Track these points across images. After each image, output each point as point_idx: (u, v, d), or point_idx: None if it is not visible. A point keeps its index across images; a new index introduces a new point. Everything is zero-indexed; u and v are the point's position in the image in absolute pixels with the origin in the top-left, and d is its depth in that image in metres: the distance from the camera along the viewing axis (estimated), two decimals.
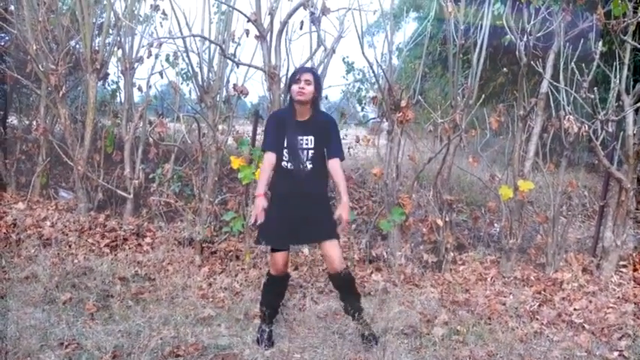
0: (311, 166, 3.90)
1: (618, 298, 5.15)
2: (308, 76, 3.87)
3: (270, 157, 3.90)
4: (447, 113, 5.85)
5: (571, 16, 5.54)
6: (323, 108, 4.79)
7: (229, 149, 6.90)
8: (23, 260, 5.30)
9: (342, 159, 3.99)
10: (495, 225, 6.64)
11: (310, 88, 3.85)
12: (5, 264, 5.20)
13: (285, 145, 3.89)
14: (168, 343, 3.85)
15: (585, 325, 4.63)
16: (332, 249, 3.91)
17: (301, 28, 6.17)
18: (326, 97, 6.70)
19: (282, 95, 6.07)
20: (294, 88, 3.85)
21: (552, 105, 5.68)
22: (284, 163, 3.90)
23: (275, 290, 4.10)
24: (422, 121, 7.01)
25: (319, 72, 6.13)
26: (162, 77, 6.87)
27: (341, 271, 3.92)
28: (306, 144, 3.89)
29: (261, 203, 3.76)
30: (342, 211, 3.79)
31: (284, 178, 3.95)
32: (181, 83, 7.18)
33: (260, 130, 6.77)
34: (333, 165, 3.94)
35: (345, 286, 4.02)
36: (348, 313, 4.08)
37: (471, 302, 4.99)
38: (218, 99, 6.26)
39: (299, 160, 3.87)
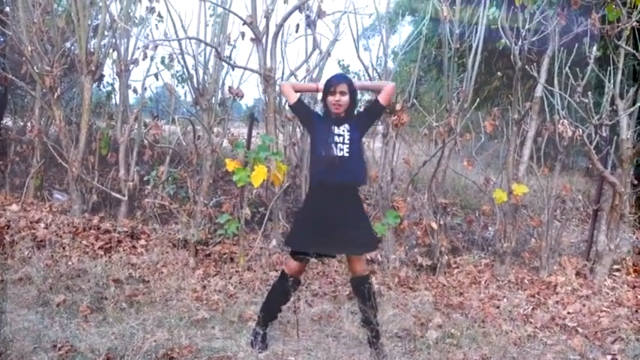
0: (348, 153, 3.74)
1: (612, 301, 5.16)
2: (343, 87, 3.78)
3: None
4: (441, 117, 5.87)
5: (566, 20, 5.56)
6: (317, 110, 4.79)
7: (224, 152, 6.90)
8: (17, 262, 5.27)
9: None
10: (490, 228, 6.66)
11: (346, 99, 3.78)
12: None
13: (320, 130, 3.82)
14: (162, 346, 3.84)
15: (579, 329, 4.64)
16: (356, 261, 3.89)
17: (297, 31, 6.20)
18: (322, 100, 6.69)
19: (278, 98, 6.09)
20: (330, 99, 3.78)
21: (547, 109, 5.71)
22: (319, 150, 3.78)
23: (283, 290, 3.95)
24: (417, 125, 7.01)
25: (314, 75, 6.15)
26: (157, 79, 6.87)
27: (363, 276, 3.89)
28: (343, 130, 3.76)
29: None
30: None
31: (319, 166, 3.82)
32: (176, 85, 7.19)
33: (255, 132, 6.78)
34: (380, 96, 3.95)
35: (365, 291, 3.88)
36: (364, 322, 4.00)
37: (465, 305, 5.00)
38: (213, 101, 6.26)
39: (334, 146, 3.73)
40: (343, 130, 3.77)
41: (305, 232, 3.83)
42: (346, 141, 3.76)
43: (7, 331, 3.86)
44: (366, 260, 3.97)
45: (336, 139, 3.75)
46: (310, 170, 4.10)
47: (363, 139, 4.25)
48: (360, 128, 3.89)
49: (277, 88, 5.98)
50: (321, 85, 3.93)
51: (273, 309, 4.07)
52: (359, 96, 4.39)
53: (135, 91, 6.92)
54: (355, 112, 3.97)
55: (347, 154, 3.75)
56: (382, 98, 3.92)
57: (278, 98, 6.20)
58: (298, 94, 4.02)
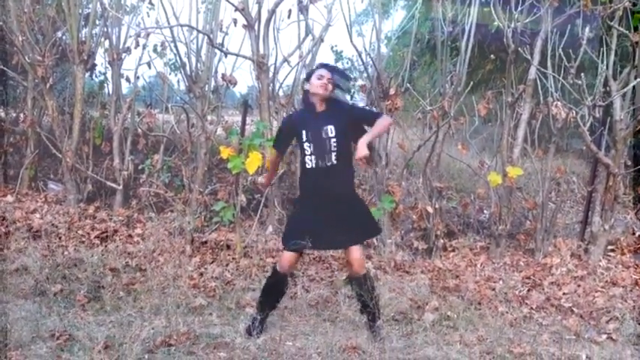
0: (336, 161, 3.80)
1: (606, 282, 5.20)
2: (328, 74, 3.87)
3: (274, 154, 4.17)
4: (435, 101, 5.87)
5: (558, 2, 5.55)
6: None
7: (218, 139, 6.89)
8: (13, 252, 5.26)
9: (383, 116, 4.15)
10: (485, 211, 6.68)
11: (331, 87, 3.87)
12: None
13: (306, 138, 3.83)
14: (159, 333, 3.86)
15: (574, 309, 4.68)
16: (354, 253, 3.89)
17: (289, 17, 6.16)
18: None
19: (271, 84, 6.07)
20: (316, 82, 3.84)
21: (540, 91, 5.71)
22: (308, 160, 3.83)
23: (274, 286, 4.03)
24: (411, 109, 7.01)
25: (307, 61, 6.13)
26: (150, 68, 6.85)
27: (361, 275, 3.92)
28: (326, 134, 3.79)
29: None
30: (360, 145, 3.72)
31: (309, 177, 3.90)
32: (169, 74, 7.16)
33: (249, 119, 6.76)
34: (379, 121, 3.89)
35: (364, 289, 3.94)
36: (366, 314, 4.05)
37: (461, 288, 5.03)
38: (206, 89, 6.24)
39: (323, 151, 3.78)
40: (329, 132, 3.79)
41: (302, 232, 3.82)
42: (332, 148, 3.81)
43: (4, 321, 3.87)
44: (363, 260, 3.98)
45: (319, 146, 3.80)
46: (299, 174, 4.15)
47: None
48: (345, 132, 3.88)
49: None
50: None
51: (272, 299, 4.09)
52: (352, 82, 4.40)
53: (128, 79, 6.89)
54: (343, 115, 3.92)
55: (335, 162, 3.82)
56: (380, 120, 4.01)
57: (271, 85, 6.19)
58: (274, 152, 4.19)
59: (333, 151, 3.79)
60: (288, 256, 3.90)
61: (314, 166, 3.81)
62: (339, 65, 8.15)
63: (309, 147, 3.81)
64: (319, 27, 6.21)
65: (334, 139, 3.79)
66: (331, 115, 3.86)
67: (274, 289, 4.05)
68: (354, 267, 3.90)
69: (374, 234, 4.27)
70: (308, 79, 3.97)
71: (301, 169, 4.00)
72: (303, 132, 3.85)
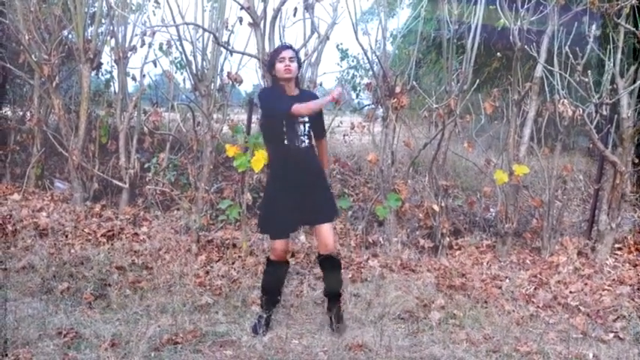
0: (307, 142, 3.91)
1: (613, 280, 5.18)
2: (291, 53, 3.91)
3: None
4: (441, 99, 5.85)
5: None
6: (318, 94, 4.78)
7: (224, 137, 6.89)
8: (20, 250, 5.28)
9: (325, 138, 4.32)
10: (491, 209, 6.67)
11: (295, 65, 3.89)
12: (2, 255, 5.20)
13: (283, 120, 3.85)
14: (166, 331, 3.87)
15: (581, 308, 4.66)
16: (327, 231, 3.94)
17: (295, 15, 6.15)
18: (320, 84, 6.68)
19: (310, 80, 6.04)
20: (280, 66, 3.86)
21: (547, 89, 5.69)
22: (285, 142, 3.85)
23: (274, 275, 4.08)
24: (417, 107, 7.01)
25: (313, 59, 6.12)
26: (155, 66, 6.88)
27: (333, 254, 3.97)
28: (302, 117, 3.85)
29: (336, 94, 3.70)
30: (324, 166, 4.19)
31: (283, 156, 3.92)
32: (175, 72, 7.17)
33: (255, 118, 6.76)
34: (323, 144, 4.24)
35: (334, 268, 4.04)
36: (328, 295, 4.13)
37: (467, 286, 5.02)
38: (212, 87, 6.23)
39: (296, 134, 3.85)
40: (302, 118, 3.85)
41: (277, 213, 3.93)
42: (306, 131, 3.90)
43: (11, 319, 3.88)
44: (335, 239, 4.04)
45: (296, 128, 3.85)
46: (272, 158, 4.10)
47: (363, 123, 4.27)
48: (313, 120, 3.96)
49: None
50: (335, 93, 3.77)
51: (273, 292, 4.11)
52: (357, 80, 4.42)
53: (133, 78, 6.90)
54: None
55: (308, 145, 3.92)
56: (318, 142, 4.20)
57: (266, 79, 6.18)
58: None
59: (306, 134, 3.90)
60: (279, 244, 3.95)
61: (290, 144, 3.85)
62: (344, 64, 8.13)
63: (286, 127, 3.84)
64: (325, 25, 6.20)
65: (308, 125, 3.90)
66: (305, 100, 3.85)
67: (274, 279, 4.08)
68: (327, 245, 3.93)
69: (337, 214, 4.29)
70: (272, 65, 3.94)
71: (275, 148, 3.97)
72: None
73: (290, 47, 4.06)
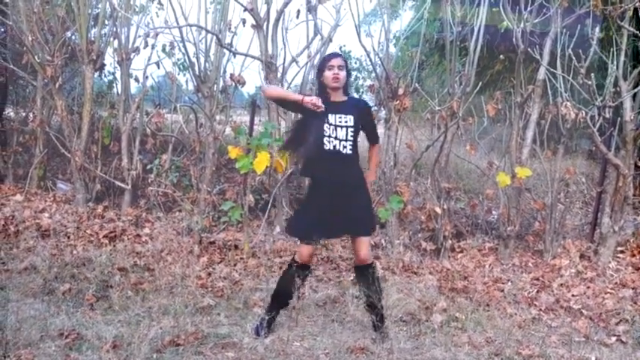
0: (351, 151, 3.83)
1: (616, 283, 5.17)
2: (340, 62, 3.88)
3: None
4: (444, 101, 5.84)
5: (568, 2, 5.52)
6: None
7: (227, 139, 6.90)
8: (22, 251, 5.29)
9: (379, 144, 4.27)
10: (493, 212, 6.66)
11: (343, 73, 3.86)
12: (4, 255, 5.20)
13: (327, 121, 3.80)
14: (168, 333, 3.86)
15: (583, 311, 4.65)
16: (362, 242, 3.92)
17: (298, 17, 6.16)
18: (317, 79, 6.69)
19: (280, 84, 6.05)
20: (328, 74, 3.84)
21: (549, 92, 5.68)
22: (326, 146, 3.80)
23: (295, 277, 3.99)
24: (419, 109, 7.00)
25: (315, 61, 6.12)
26: (158, 68, 6.86)
27: (367, 264, 3.93)
28: (346, 122, 3.81)
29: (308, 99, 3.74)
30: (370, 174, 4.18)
31: (325, 163, 3.86)
32: (178, 73, 7.16)
33: (257, 119, 6.77)
34: (373, 151, 4.18)
35: (367, 278, 3.96)
36: (368, 307, 4.04)
37: (469, 289, 5.01)
38: (215, 89, 6.25)
39: (337, 139, 3.79)
40: (347, 121, 3.80)
41: (309, 218, 3.90)
42: (349, 137, 3.82)
43: (13, 320, 3.88)
44: (369, 249, 3.99)
45: (339, 132, 3.79)
46: (308, 163, 4.06)
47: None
48: (358, 126, 3.91)
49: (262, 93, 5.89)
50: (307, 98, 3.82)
51: (285, 296, 4.07)
52: (360, 82, 4.43)
53: (136, 79, 6.90)
54: (360, 107, 4.00)
55: (350, 152, 3.83)
56: (371, 148, 4.21)
57: (280, 85, 6.19)
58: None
59: (349, 141, 3.82)
60: (307, 249, 3.92)
61: (332, 148, 3.80)
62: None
63: (329, 129, 3.79)
64: (328, 27, 6.22)
65: (352, 129, 3.82)
66: (351, 105, 3.89)
67: (292, 282, 3.99)
68: (359, 256, 3.92)
69: (373, 229, 4.24)
70: (320, 72, 3.93)
71: (316, 152, 3.89)
72: (327, 115, 3.81)
73: (340, 56, 4.04)
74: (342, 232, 4.20)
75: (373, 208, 4.14)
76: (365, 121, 3.99)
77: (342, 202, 3.83)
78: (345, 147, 3.80)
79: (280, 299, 4.07)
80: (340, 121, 3.80)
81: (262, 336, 3.94)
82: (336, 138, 3.79)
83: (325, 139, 3.79)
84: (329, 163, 3.84)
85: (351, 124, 3.81)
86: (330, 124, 3.79)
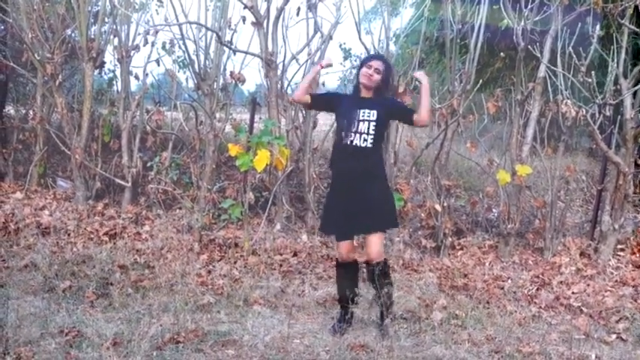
0: (371, 144, 3.86)
1: (616, 281, 5.17)
2: (379, 65, 3.94)
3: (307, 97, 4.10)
4: (444, 99, 5.85)
5: (568, 0, 5.51)
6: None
7: (227, 137, 6.89)
8: (22, 249, 5.29)
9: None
10: (493, 210, 6.65)
11: (377, 77, 3.91)
12: (4, 253, 5.20)
13: (349, 114, 3.88)
14: (168, 330, 3.86)
15: (583, 309, 4.66)
16: (374, 239, 3.92)
17: (298, 15, 6.16)
18: (323, 84, 6.69)
19: (280, 82, 6.05)
20: (364, 71, 3.91)
21: (550, 89, 5.68)
22: (345, 139, 3.87)
23: (344, 276, 4.08)
24: None
25: (315, 59, 6.12)
26: (158, 65, 6.85)
27: (378, 262, 3.93)
28: (368, 116, 3.85)
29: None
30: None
31: (341, 154, 3.94)
32: (178, 71, 7.17)
33: (258, 117, 6.77)
34: (419, 121, 4.00)
35: (380, 277, 3.95)
36: (378, 305, 4.04)
37: (469, 287, 5.01)
38: (215, 86, 6.24)
39: (357, 132, 3.84)
40: (369, 116, 3.85)
41: (333, 215, 3.98)
42: (371, 131, 3.85)
43: (13, 317, 3.88)
44: (382, 248, 3.99)
45: (361, 126, 3.84)
46: (332, 155, 4.17)
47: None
48: (383, 121, 3.97)
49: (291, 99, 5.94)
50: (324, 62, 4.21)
51: (346, 292, 4.05)
52: None
53: (136, 77, 6.89)
54: (387, 102, 4.05)
55: (370, 145, 3.86)
56: (417, 121, 4.01)
57: (280, 83, 6.19)
58: (308, 96, 4.10)
59: (371, 134, 3.85)
60: (342, 246, 3.98)
61: (351, 142, 3.85)
62: (347, 64, 8.12)
63: (350, 123, 3.85)
64: (328, 24, 6.21)
65: (374, 124, 3.85)
66: (377, 102, 3.93)
67: (345, 280, 4.06)
68: (371, 254, 3.92)
69: (393, 225, 4.23)
70: (360, 67, 4.01)
71: (337, 145, 4.02)
72: (348, 108, 3.91)
73: (383, 60, 4.09)
74: (361, 227, 4.06)
75: (392, 204, 4.09)
76: (391, 111, 4.07)
77: (356, 195, 3.87)
78: (365, 140, 3.85)
79: (341, 301, 4.13)
80: (364, 116, 3.86)
81: (338, 333, 4.00)
82: (356, 132, 3.84)
83: (346, 132, 3.86)
84: (345, 154, 3.91)
85: (374, 118, 3.86)
86: (354, 118, 3.85)
